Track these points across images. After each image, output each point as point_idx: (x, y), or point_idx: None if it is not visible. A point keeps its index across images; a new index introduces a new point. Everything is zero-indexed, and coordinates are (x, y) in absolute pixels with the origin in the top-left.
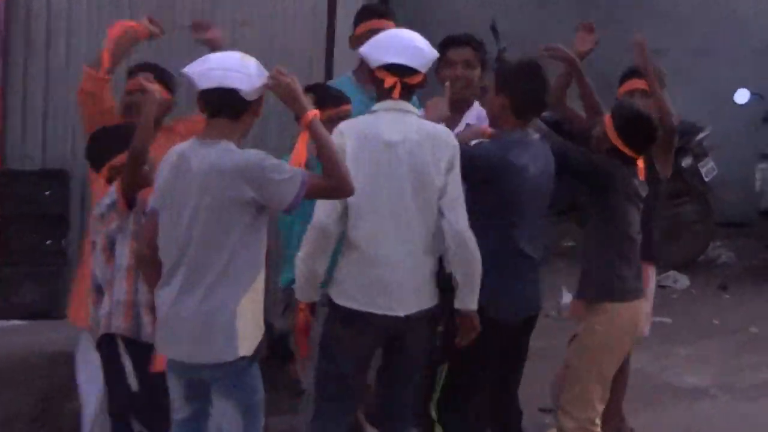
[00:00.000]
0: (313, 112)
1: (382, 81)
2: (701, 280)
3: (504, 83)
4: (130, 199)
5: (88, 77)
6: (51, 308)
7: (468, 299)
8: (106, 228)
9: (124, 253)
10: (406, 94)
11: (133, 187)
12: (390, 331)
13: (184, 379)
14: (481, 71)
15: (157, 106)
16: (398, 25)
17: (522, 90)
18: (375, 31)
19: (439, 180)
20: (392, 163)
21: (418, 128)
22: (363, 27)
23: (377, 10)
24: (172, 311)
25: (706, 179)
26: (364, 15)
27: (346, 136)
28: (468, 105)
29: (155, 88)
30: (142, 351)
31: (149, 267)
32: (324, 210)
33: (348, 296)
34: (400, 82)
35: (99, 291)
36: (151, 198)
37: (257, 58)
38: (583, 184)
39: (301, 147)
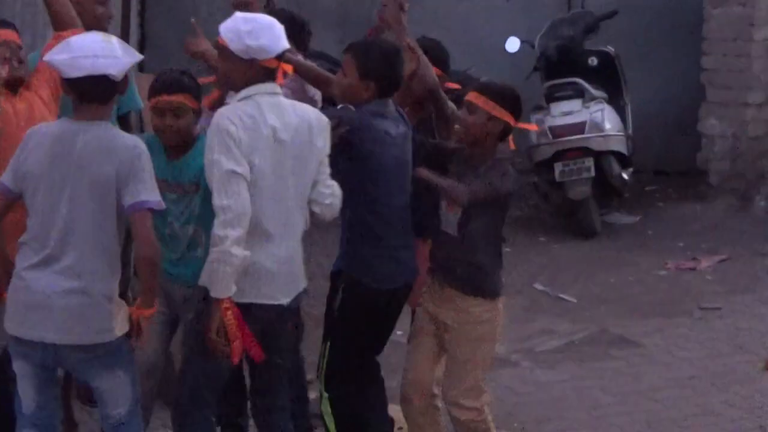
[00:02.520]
0: None
1: (262, 69)
2: None
3: (369, 70)
4: None
5: None
6: None
7: None
8: None
9: None
10: None
11: None
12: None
13: (38, 366)
14: None
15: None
16: None
17: (388, 75)
18: None
19: (315, 163)
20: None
21: (294, 111)
22: None
23: None
24: (46, 293)
25: None
26: None
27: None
28: None
29: None
30: None
31: None
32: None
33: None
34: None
35: None
36: (5, 175)
37: None
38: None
39: None
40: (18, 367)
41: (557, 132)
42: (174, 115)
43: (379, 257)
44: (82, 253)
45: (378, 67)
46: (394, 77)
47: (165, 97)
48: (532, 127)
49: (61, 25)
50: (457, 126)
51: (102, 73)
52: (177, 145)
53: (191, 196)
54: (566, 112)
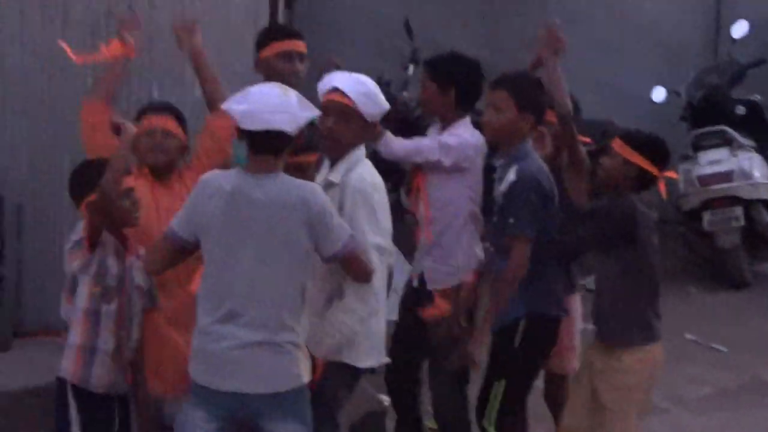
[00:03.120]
0: None
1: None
2: None
3: (527, 102)
4: (95, 240)
5: (87, 109)
6: None
7: None
8: (70, 266)
9: (83, 295)
10: None
11: (100, 226)
12: None
13: (222, 414)
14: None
15: (175, 149)
16: (299, 17)
17: (544, 104)
18: (287, 54)
19: None
20: None
21: None
22: (270, 49)
23: (286, 30)
24: (234, 347)
25: None
26: (270, 35)
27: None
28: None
29: (129, 126)
30: (90, 401)
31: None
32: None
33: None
34: None
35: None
36: (177, 223)
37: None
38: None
39: None
40: (196, 414)
41: (705, 181)
42: (302, 171)
43: (559, 288)
44: (267, 306)
45: (535, 97)
46: (545, 107)
47: (302, 157)
48: (673, 175)
49: (212, 107)
50: (599, 171)
51: (277, 128)
52: None
53: None
54: (714, 160)
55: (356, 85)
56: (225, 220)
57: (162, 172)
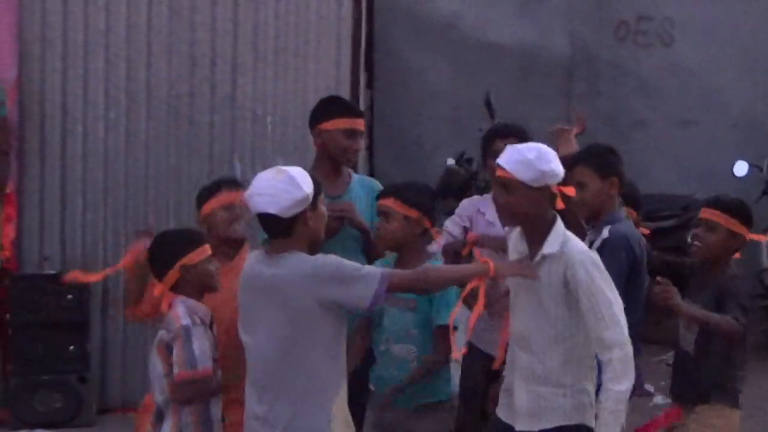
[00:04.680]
0: None
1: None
2: None
3: (606, 167)
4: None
5: None
6: (76, 416)
7: None
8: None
9: None
10: None
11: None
12: None
13: None
14: None
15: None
16: (380, 96)
17: (621, 168)
18: (353, 132)
19: None
20: None
21: None
22: (335, 123)
23: (354, 109)
24: (263, 420)
25: None
26: (337, 110)
27: None
28: None
29: None
30: None
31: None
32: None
33: None
34: None
35: (159, 415)
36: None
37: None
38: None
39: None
40: None
41: None
42: (384, 217)
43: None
44: (287, 381)
45: (611, 160)
46: (621, 166)
47: (380, 201)
48: (761, 238)
49: None
50: (696, 243)
51: (262, 211)
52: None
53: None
54: None
55: (512, 154)
56: (242, 300)
57: (233, 246)
